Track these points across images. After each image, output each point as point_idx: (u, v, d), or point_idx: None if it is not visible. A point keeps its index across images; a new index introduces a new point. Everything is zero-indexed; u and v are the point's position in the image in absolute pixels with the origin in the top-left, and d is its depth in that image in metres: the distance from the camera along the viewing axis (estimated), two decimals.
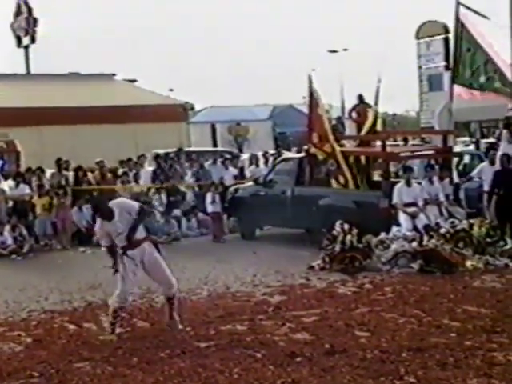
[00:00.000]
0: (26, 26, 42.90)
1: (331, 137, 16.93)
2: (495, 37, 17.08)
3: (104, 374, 8.06)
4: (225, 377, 7.74)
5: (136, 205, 9.86)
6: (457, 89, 17.65)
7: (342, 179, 16.62)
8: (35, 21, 43.01)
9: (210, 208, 18.99)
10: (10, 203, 19.24)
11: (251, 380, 7.60)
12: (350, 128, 20.38)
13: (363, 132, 17.86)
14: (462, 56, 17.58)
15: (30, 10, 43.12)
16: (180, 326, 9.71)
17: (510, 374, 7.38)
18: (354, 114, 20.13)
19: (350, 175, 16.60)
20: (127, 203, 9.94)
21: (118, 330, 9.60)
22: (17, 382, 7.93)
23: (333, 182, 16.76)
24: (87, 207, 19.12)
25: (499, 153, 16.61)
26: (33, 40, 43.26)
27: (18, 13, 43.65)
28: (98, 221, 9.79)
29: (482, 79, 17.38)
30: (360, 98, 20.02)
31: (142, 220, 9.69)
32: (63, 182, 19.76)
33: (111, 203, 9.70)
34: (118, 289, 9.55)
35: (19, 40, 43.76)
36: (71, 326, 10.29)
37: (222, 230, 18.85)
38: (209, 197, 19.07)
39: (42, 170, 20.37)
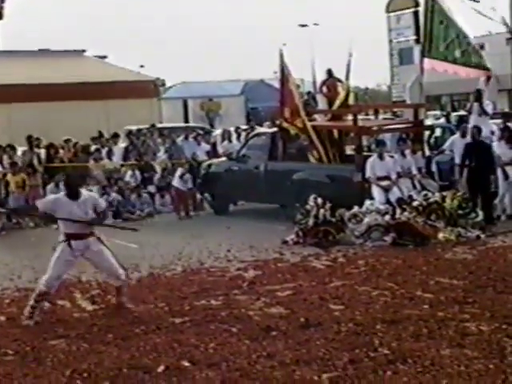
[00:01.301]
0: None
1: (302, 112, 16.92)
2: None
3: (79, 350, 8.06)
4: (200, 352, 7.76)
5: (104, 205, 9.87)
6: (429, 63, 17.64)
7: (315, 154, 16.65)
8: None
9: (176, 183, 18.92)
10: None
11: (227, 354, 7.62)
12: (321, 103, 20.34)
13: (335, 107, 17.84)
14: (434, 29, 17.55)
15: None
16: (129, 305, 9.62)
17: (482, 343, 7.47)
18: (324, 89, 20.10)
19: (323, 150, 16.62)
20: (98, 199, 9.91)
21: (93, 307, 9.57)
22: None
23: (309, 156, 16.78)
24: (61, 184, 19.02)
25: (470, 125, 16.73)
26: (0, 16, 42.71)
27: None
28: (60, 194, 9.69)
29: (457, 53, 17.41)
30: (329, 72, 19.99)
31: (102, 220, 9.65)
32: (35, 160, 19.61)
33: (84, 190, 9.63)
34: (47, 273, 9.41)
35: None
36: (45, 304, 10.23)
37: (187, 207, 18.73)
38: (178, 172, 19.02)
39: (12, 148, 20.18)
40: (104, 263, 9.60)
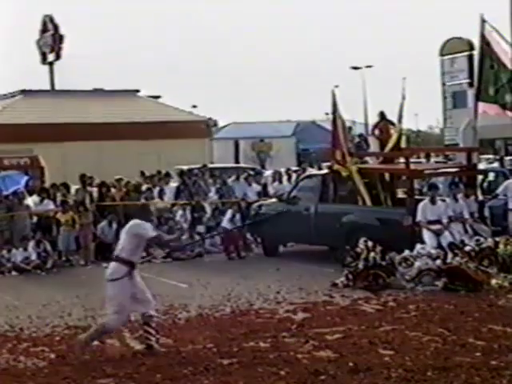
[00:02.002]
0: (51, 43, 43.25)
1: (347, 155, 16.89)
2: None
3: None
4: None
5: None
6: (482, 106, 17.52)
7: (359, 198, 16.57)
8: (61, 38, 43.35)
9: (226, 224, 18.95)
10: (35, 219, 19.34)
11: None
12: (373, 145, 20.32)
13: (387, 149, 17.79)
14: (484, 73, 17.47)
15: (56, 27, 43.49)
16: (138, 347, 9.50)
17: None
18: (376, 131, 20.08)
19: (367, 194, 16.52)
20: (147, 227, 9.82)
21: (141, 347, 9.57)
22: None
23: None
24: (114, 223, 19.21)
25: None
26: (58, 57, 43.59)
27: (44, 30, 44.05)
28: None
29: (508, 97, 17.26)
30: (382, 114, 19.98)
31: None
32: (87, 198, 19.82)
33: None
34: (114, 313, 9.40)
35: (44, 56, 44.11)
36: (94, 343, 10.28)
37: (238, 248, 18.72)
38: (228, 214, 19.06)
39: (67, 186, 20.47)
40: (144, 291, 9.57)
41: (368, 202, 16.47)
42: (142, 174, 22.08)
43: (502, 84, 17.29)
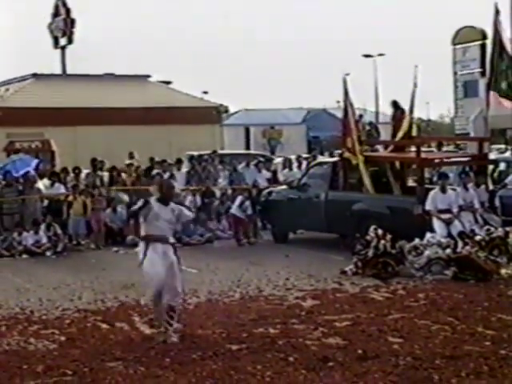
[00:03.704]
0: (63, 27, 43.22)
1: (357, 143, 16.88)
2: None
3: (136, 374, 8.10)
4: (257, 380, 7.74)
5: (189, 216, 10.15)
6: (494, 96, 17.45)
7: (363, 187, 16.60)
8: (73, 22, 43.33)
9: (234, 211, 19.00)
10: (46, 202, 19.40)
11: None
12: (384, 134, 20.31)
13: (397, 138, 17.77)
14: (497, 63, 17.39)
15: (68, 11, 43.46)
16: (174, 339, 9.33)
17: None
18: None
19: (371, 183, 16.50)
20: (184, 210, 10.01)
21: (151, 331, 9.61)
22: (50, 380, 7.99)
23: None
24: (122, 207, 19.27)
25: None
26: (70, 41, 43.57)
27: (56, 14, 44.01)
28: (152, 199, 9.66)
29: (504, 85, 17.18)
30: (395, 104, 19.95)
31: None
32: (98, 182, 19.87)
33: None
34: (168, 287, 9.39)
35: (56, 40, 44.09)
36: (104, 326, 10.34)
37: (248, 234, 18.77)
38: (238, 200, 19.08)
39: (79, 170, 20.51)
40: (171, 277, 9.48)
41: (371, 191, 16.46)
42: (151, 160, 22.05)
43: (502, 71, 17.20)
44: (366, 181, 16.55)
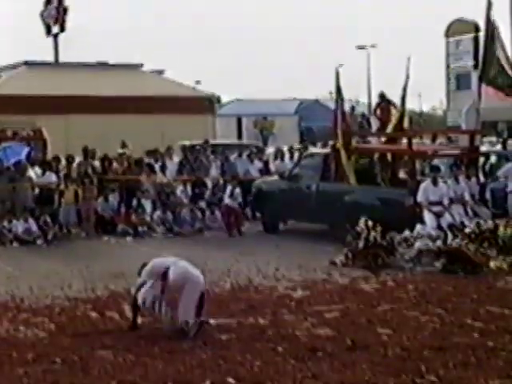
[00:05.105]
0: (55, 15, 42.98)
1: (339, 133, 16.92)
2: None
3: (126, 362, 8.12)
4: (245, 369, 7.76)
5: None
6: (485, 88, 17.50)
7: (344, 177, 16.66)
8: (65, 10, 43.12)
9: (228, 201, 19.00)
10: (37, 190, 19.36)
11: (272, 373, 7.61)
12: (375, 125, 20.37)
13: (388, 130, 17.81)
14: (491, 56, 17.42)
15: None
16: None
17: None
18: (378, 112, 20.10)
19: (352, 173, 16.53)
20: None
21: (140, 320, 9.62)
22: (40, 368, 7.99)
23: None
24: (113, 196, 19.27)
25: None
26: (62, 29, 43.36)
27: (48, 1, 43.80)
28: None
29: (491, 73, 17.23)
30: (382, 96, 20.01)
31: None
32: (89, 171, 19.84)
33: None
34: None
35: (48, 28, 43.86)
36: (94, 314, 10.35)
37: (239, 224, 18.79)
38: (228, 189, 19.10)
39: (72, 159, 20.43)
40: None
41: (352, 182, 16.49)
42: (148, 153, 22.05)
43: (490, 61, 17.24)
44: (349, 172, 16.58)
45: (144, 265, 9.55)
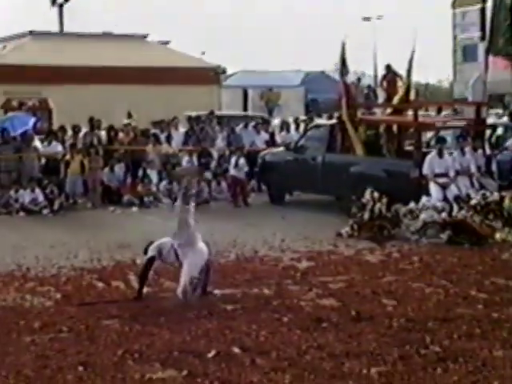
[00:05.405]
0: None
1: (344, 105, 16.89)
2: None
3: (132, 331, 8.16)
4: (251, 339, 7.80)
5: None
6: (493, 59, 17.43)
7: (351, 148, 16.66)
8: None
9: (234, 172, 19.01)
10: (43, 160, 19.39)
11: (277, 343, 7.65)
12: (381, 97, 20.32)
13: (394, 102, 17.75)
14: (497, 26, 17.33)
15: None
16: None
17: None
18: (384, 84, 20.03)
19: (360, 144, 16.52)
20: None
21: (146, 290, 9.66)
22: (46, 336, 8.05)
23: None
24: (119, 167, 19.30)
25: None
26: None
27: None
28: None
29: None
30: (388, 67, 19.93)
31: None
32: (95, 142, 19.84)
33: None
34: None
35: None
36: (100, 284, 10.41)
37: (245, 195, 18.82)
38: (233, 160, 19.09)
39: (78, 129, 20.40)
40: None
41: (360, 152, 16.49)
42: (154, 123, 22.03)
43: (510, 35, 17.16)
44: (356, 144, 16.57)
45: (150, 243, 9.60)
